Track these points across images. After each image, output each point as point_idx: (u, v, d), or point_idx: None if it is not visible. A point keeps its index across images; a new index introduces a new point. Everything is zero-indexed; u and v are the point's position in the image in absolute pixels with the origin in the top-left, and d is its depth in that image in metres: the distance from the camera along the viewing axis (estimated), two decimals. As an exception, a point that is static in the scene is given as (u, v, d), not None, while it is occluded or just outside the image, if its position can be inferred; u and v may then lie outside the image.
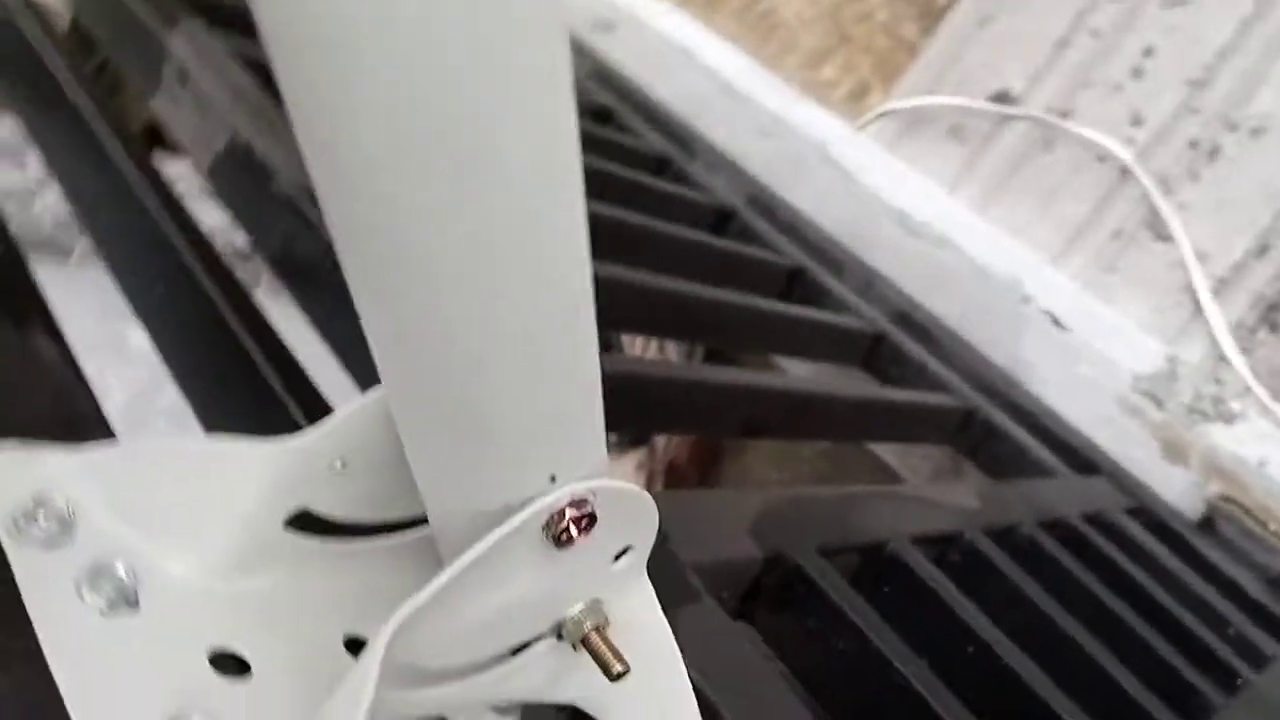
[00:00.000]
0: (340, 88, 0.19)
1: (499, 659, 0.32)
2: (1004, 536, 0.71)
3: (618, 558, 0.33)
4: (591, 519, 0.29)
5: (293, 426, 0.40)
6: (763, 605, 0.55)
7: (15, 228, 0.40)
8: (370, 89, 0.19)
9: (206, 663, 0.28)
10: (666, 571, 0.47)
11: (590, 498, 0.29)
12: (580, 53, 1.31)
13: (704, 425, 0.73)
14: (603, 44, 1.31)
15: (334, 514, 0.32)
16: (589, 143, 1.00)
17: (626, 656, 0.33)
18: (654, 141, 1.15)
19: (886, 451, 1.08)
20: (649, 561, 0.46)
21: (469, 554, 0.27)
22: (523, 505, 0.28)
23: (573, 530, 0.29)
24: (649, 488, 1.22)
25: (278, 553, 0.31)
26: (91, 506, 0.30)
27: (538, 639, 0.33)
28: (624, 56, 1.28)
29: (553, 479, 0.28)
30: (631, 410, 0.59)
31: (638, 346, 1.34)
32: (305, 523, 0.32)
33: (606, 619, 0.33)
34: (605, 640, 0.33)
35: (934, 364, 0.97)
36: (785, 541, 0.55)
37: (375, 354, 0.25)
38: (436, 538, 0.30)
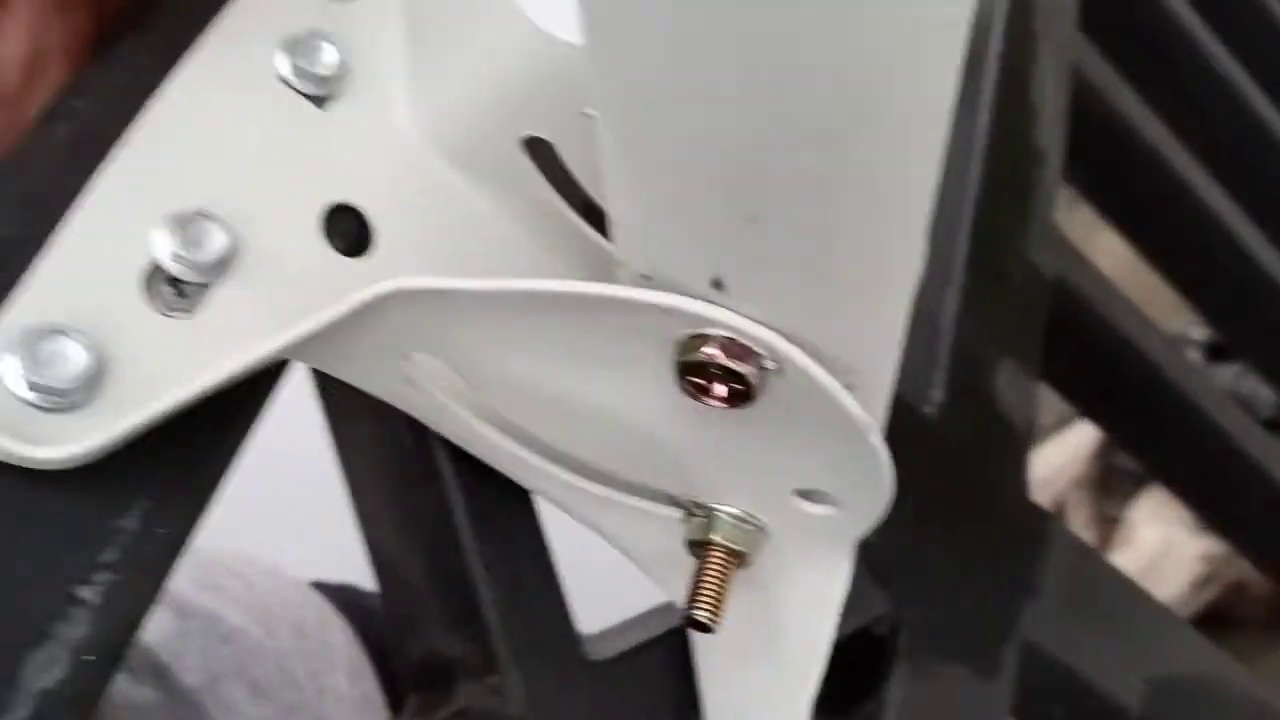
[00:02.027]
0: None
1: (607, 480, 0.23)
2: None
3: (812, 497, 0.21)
4: (745, 389, 0.18)
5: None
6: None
7: None
8: None
9: (320, 214, 0.23)
10: (992, 620, 0.33)
11: (763, 357, 0.17)
12: None
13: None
14: None
15: (570, 162, 0.24)
16: None
17: (734, 621, 0.22)
18: None
19: None
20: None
21: (534, 283, 0.18)
22: (654, 285, 0.18)
23: (711, 384, 0.18)
24: (1191, 597, 0.97)
25: (498, 168, 0.24)
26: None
27: (660, 498, 0.23)
28: None
29: (716, 285, 0.17)
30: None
31: None
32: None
33: (748, 557, 0.22)
34: (718, 575, 0.22)
35: None
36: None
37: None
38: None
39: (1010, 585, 0.35)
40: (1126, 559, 1.16)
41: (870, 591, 0.31)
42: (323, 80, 0.23)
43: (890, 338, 0.19)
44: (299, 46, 0.23)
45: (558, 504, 0.24)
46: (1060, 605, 0.36)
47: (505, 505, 0.25)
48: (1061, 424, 1.28)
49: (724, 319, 0.17)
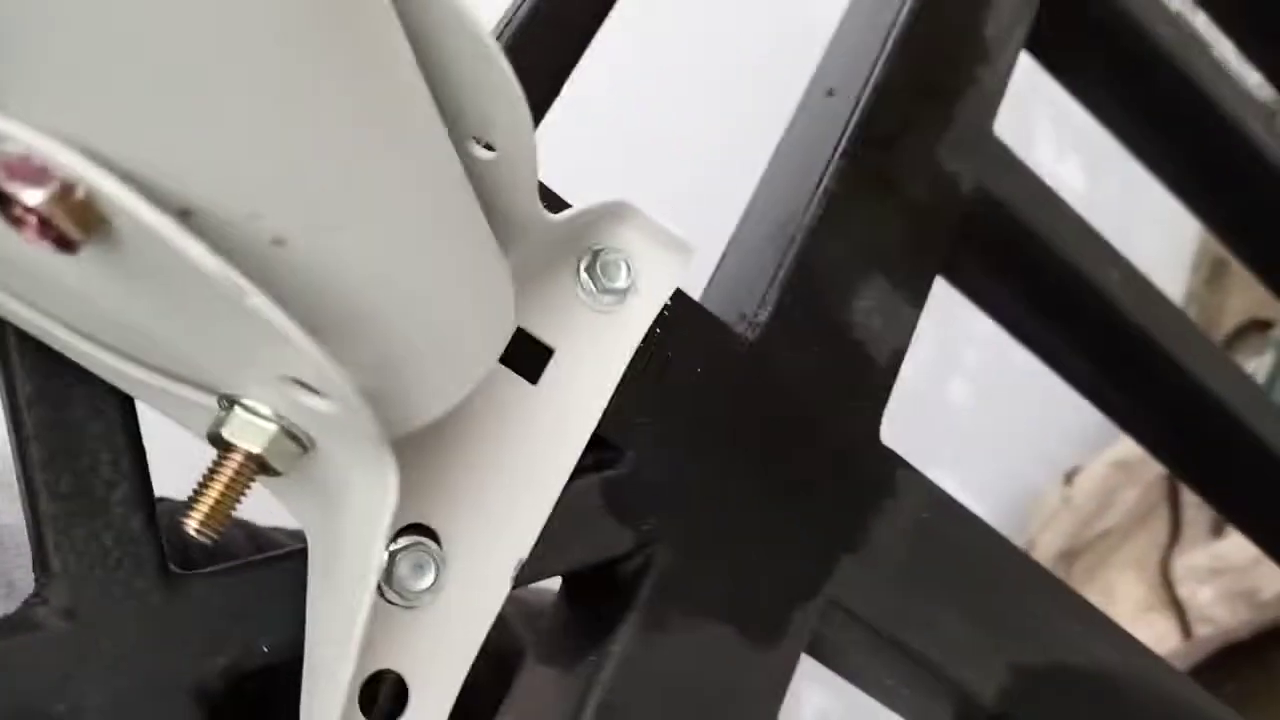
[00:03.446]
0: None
1: (133, 358, 0.20)
2: None
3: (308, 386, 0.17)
4: (54, 228, 0.14)
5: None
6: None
7: None
8: None
9: None
10: (786, 577, 0.28)
11: (62, 182, 0.13)
12: None
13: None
14: None
15: None
16: None
17: (314, 540, 0.19)
18: None
19: None
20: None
21: None
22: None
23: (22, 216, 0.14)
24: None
25: None
26: None
27: (195, 384, 0.20)
28: None
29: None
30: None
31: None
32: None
33: (269, 461, 0.18)
34: (224, 479, 0.18)
35: None
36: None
37: None
38: None
39: (823, 538, 0.29)
40: (1238, 543, 1.05)
41: (609, 526, 0.27)
42: None
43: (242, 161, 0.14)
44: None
45: (124, 388, 0.21)
46: (901, 568, 0.30)
47: (83, 392, 0.21)
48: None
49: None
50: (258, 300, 0.14)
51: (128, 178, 0.13)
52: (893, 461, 0.31)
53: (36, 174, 0.13)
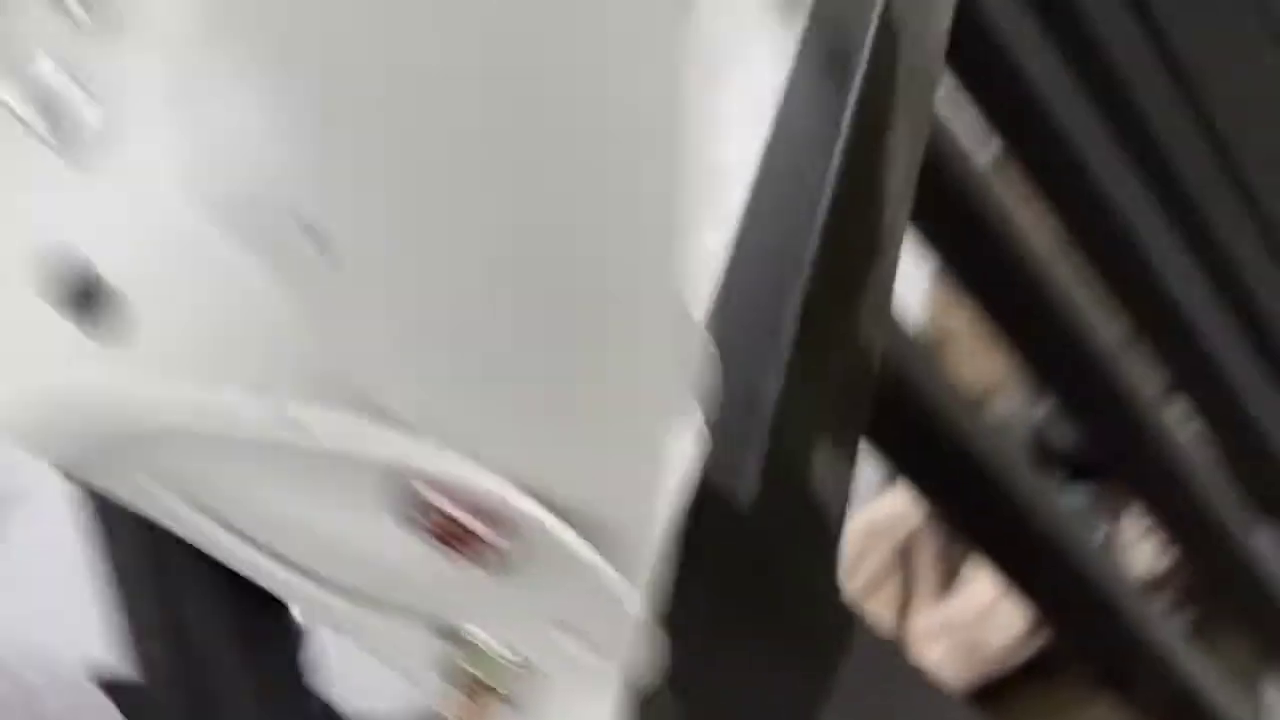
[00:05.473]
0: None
1: (352, 595, 0.21)
2: None
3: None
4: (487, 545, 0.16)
5: None
6: None
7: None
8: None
9: (47, 275, 0.20)
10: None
11: (496, 512, 0.15)
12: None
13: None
14: None
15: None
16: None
17: None
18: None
19: None
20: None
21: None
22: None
23: (458, 536, 0.16)
24: (1022, 646, 0.99)
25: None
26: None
27: (413, 617, 0.21)
28: None
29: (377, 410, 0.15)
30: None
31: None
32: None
33: (503, 693, 0.20)
34: (466, 708, 0.20)
35: None
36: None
37: None
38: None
39: (809, 692, 0.33)
40: (964, 602, 1.18)
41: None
42: (67, 126, 0.20)
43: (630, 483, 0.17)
44: (39, 84, 0.20)
45: (305, 615, 0.22)
46: (859, 710, 0.35)
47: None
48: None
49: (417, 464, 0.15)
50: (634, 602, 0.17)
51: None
52: (849, 613, 0.36)
53: (496, 515, 0.15)
